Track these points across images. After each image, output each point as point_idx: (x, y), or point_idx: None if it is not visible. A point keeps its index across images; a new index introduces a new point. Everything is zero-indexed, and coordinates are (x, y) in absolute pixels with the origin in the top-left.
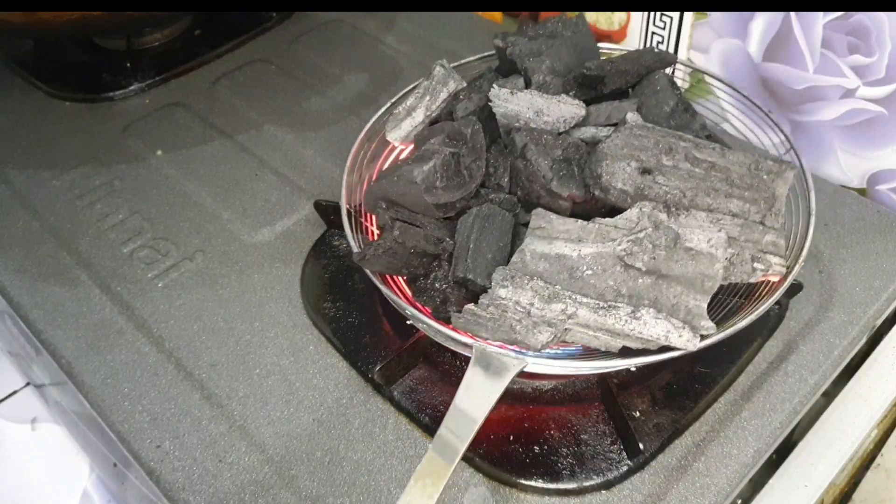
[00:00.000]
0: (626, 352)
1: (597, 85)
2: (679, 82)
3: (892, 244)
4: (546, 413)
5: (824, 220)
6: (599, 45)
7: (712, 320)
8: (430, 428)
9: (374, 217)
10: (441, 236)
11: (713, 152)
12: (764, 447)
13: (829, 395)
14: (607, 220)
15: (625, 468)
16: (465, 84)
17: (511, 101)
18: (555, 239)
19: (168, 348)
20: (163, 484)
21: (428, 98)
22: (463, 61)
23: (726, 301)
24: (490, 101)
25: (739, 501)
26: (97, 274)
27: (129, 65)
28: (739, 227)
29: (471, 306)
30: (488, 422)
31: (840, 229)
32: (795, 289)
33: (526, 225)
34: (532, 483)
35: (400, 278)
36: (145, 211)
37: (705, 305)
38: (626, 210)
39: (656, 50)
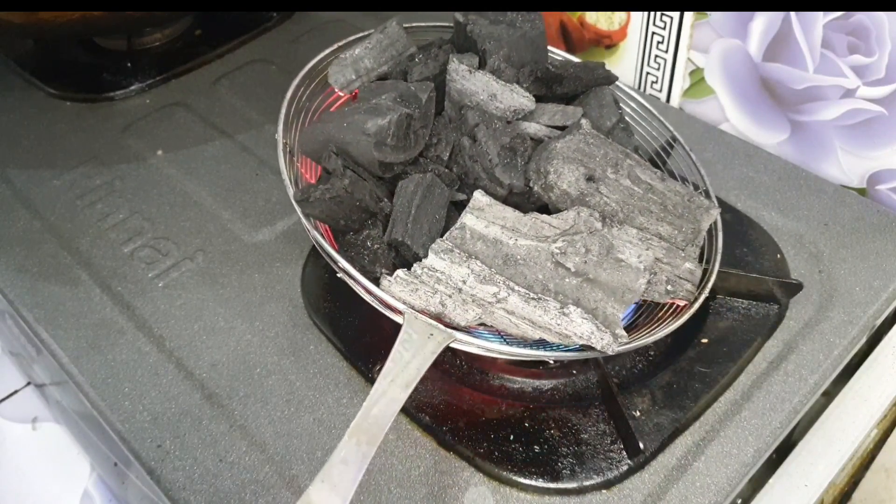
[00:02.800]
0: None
1: (552, 84)
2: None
3: (892, 244)
4: (546, 412)
5: (824, 220)
6: (550, 48)
7: (638, 335)
8: (430, 427)
9: (307, 160)
10: (381, 195)
11: (654, 176)
12: (764, 447)
13: (829, 395)
14: (544, 216)
15: (625, 468)
16: (415, 48)
17: (468, 80)
18: (491, 223)
19: (169, 348)
20: (163, 483)
21: (377, 51)
22: (414, 24)
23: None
24: (448, 74)
25: (739, 501)
26: (98, 273)
27: (129, 65)
28: (664, 251)
29: (402, 272)
30: (489, 421)
31: (840, 229)
32: (795, 288)
33: (457, 204)
34: (532, 482)
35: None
36: (146, 211)
37: (621, 315)
38: (561, 210)
39: (606, 67)
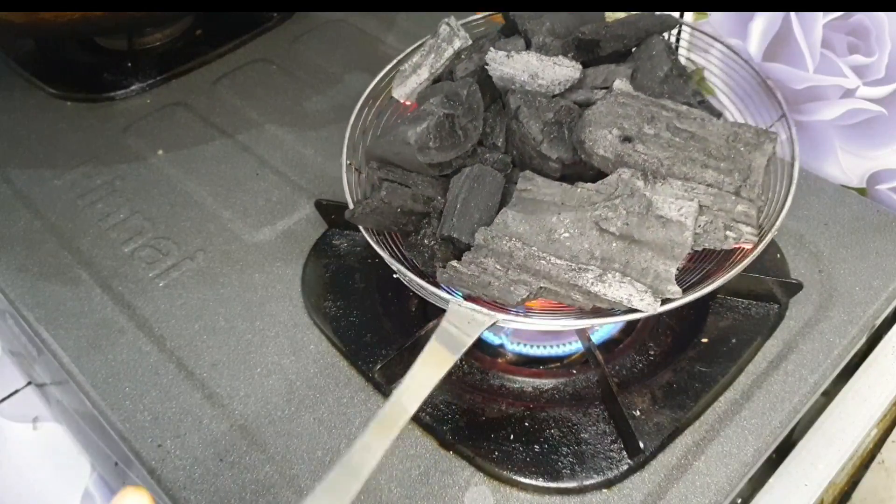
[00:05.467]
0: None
1: (593, 48)
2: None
3: (892, 244)
4: (546, 412)
5: (824, 220)
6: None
7: (686, 285)
8: (431, 427)
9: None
10: (432, 195)
11: (694, 122)
12: (764, 446)
13: (829, 395)
14: (589, 184)
15: (625, 467)
16: (469, 42)
17: (506, 64)
18: (539, 201)
19: (169, 347)
20: (164, 483)
21: (433, 56)
22: (470, 19)
23: (701, 268)
24: (486, 64)
25: (739, 500)
26: (98, 273)
27: (130, 64)
28: (713, 197)
29: (453, 263)
30: (489, 421)
31: (840, 229)
32: (795, 288)
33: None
34: (532, 482)
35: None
36: (146, 210)
37: (674, 270)
38: (608, 175)
39: (656, 14)
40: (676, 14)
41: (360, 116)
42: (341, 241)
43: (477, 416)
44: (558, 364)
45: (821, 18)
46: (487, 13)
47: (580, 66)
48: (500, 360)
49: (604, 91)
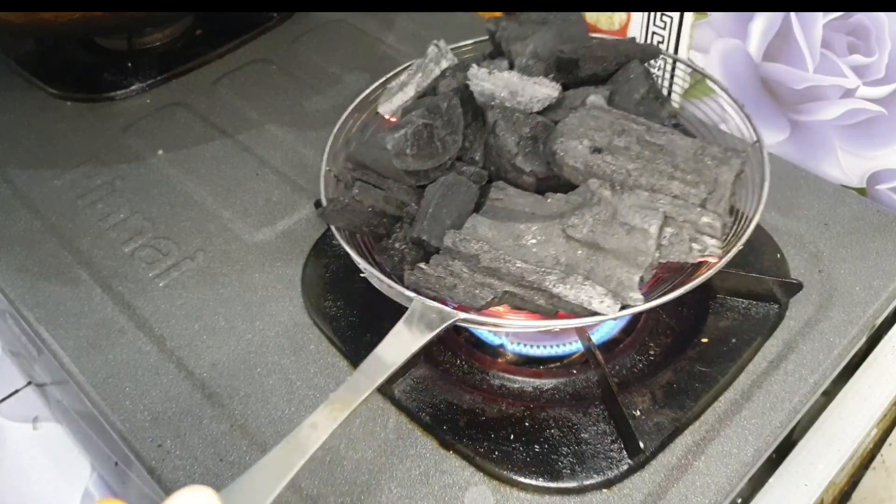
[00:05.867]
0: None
1: (572, 68)
2: (679, 78)
3: (892, 244)
4: (546, 412)
5: (824, 220)
6: (596, 34)
7: (658, 295)
8: (431, 427)
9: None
10: (407, 200)
11: (663, 136)
12: (764, 446)
13: (829, 395)
14: (559, 195)
15: (625, 467)
16: (454, 63)
17: (487, 80)
18: (510, 210)
19: (169, 347)
20: (164, 483)
21: (420, 75)
22: (460, 44)
23: (673, 279)
24: (468, 79)
25: (739, 500)
26: (98, 273)
27: (130, 64)
28: (678, 208)
29: (421, 265)
30: (489, 421)
31: (840, 229)
32: (795, 288)
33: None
34: (533, 482)
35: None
36: (146, 210)
37: (637, 279)
38: (577, 186)
39: (638, 42)
40: (676, 15)
41: (345, 126)
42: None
43: (477, 416)
44: (558, 364)
45: (821, 18)
46: (480, 39)
47: (560, 87)
48: (500, 360)
49: None
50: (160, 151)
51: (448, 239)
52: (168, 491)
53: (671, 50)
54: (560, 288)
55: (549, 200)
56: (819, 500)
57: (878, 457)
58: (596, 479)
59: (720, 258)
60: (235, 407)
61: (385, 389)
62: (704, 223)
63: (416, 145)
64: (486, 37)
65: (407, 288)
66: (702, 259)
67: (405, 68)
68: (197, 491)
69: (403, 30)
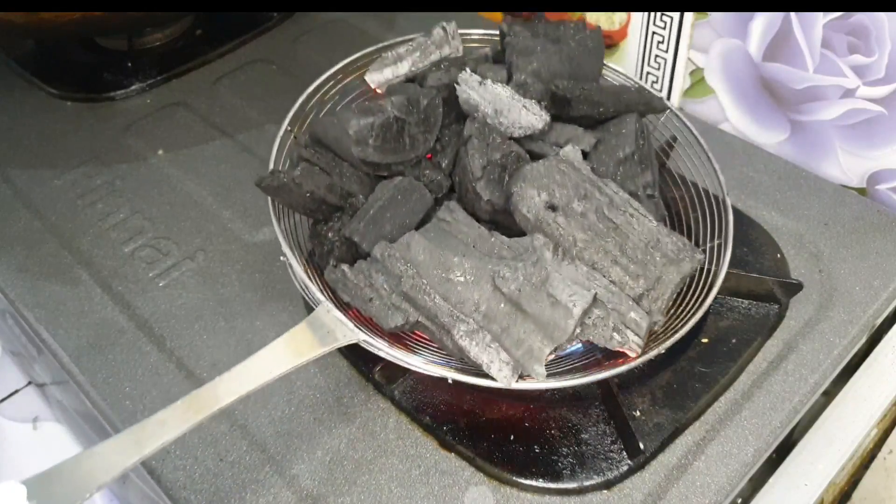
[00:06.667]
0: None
1: (564, 105)
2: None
3: (892, 244)
4: (547, 413)
5: (824, 220)
6: (613, 65)
7: (560, 374)
8: (431, 427)
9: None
10: (354, 191)
11: (622, 215)
12: (764, 446)
13: (829, 395)
14: (504, 238)
15: (625, 467)
16: (460, 53)
17: (476, 90)
18: (452, 236)
19: (169, 347)
20: (164, 483)
21: (418, 54)
22: (470, 31)
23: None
24: (458, 83)
25: (739, 500)
26: (98, 273)
27: (130, 64)
28: (611, 294)
29: (344, 267)
30: (489, 421)
31: (840, 229)
32: (795, 288)
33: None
34: (533, 482)
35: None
36: (146, 210)
37: (547, 351)
38: (525, 234)
39: (648, 92)
40: (676, 15)
41: (323, 87)
42: None
43: (477, 416)
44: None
45: (821, 18)
46: (487, 32)
47: (548, 118)
48: None
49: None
50: (160, 151)
51: (378, 250)
52: (168, 491)
53: (672, 49)
54: (465, 342)
55: (492, 239)
56: (819, 500)
57: (878, 457)
58: (596, 479)
59: (638, 356)
60: (235, 407)
61: (385, 390)
62: (632, 319)
63: (382, 137)
64: (496, 31)
65: (326, 285)
66: (619, 349)
67: (406, 41)
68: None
69: (403, 30)
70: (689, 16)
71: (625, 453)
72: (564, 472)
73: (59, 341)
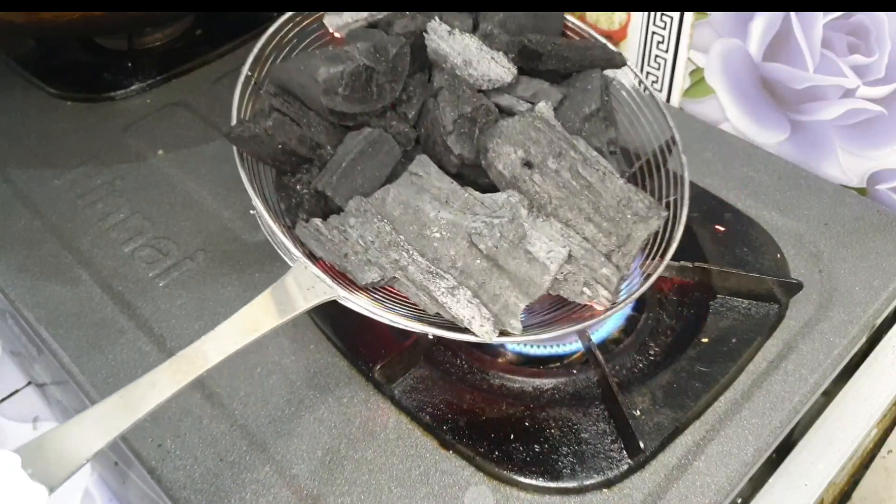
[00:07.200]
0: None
1: (534, 59)
2: (630, 84)
3: (892, 244)
4: (546, 412)
5: (824, 220)
6: (572, 20)
7: (538, 321)
8: (431, 427)
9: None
10: (322, 142)
11: (596, 173)
12: (764, 446)
13: (829, 394)
14: (477, 193)
15: (625, 467)
16: None
17: (445, 40)
18: (425, 191)
19: (169, 347)
20: (164, 482)
21: None
22: None
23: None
24: (426, 32)
25: (739, 500)
26: (98, 273)
27: (130, 64)
28: (584, 251)
29: (317, 221)
30: (489, 421)
31: (840, 229)
32: (795, 288)
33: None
34: (533, 482)
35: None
36: (146, 210)
37: (522, 306)
38: (498, 191)
39: (610, 48)
40: (676, 15)
41: (281, 30)
42: None
43: (477, 416)
44: (558, 364)
45: (821, 18)
46: None
47: (515, 71)
48: (500, 360)
49: (527, 105)
50: (160, 151)
51: (353, 204)
52: (168, 491)
53: (671, 49)
54: (447, 298)
55: (466, 195)
56: (819, 500)
57: (878, 456)
58: (596, 478)
59: (606, 309)
60: (235, 407)
61: (385, 389)
62: (603, 274)
63: (350, 86)
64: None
65: (297, 239)
66: (588, 303)
67: None
68: None
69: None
70: (689, 16)
71: (625, 453)
72: (564, 471)
73: (59, 341)
